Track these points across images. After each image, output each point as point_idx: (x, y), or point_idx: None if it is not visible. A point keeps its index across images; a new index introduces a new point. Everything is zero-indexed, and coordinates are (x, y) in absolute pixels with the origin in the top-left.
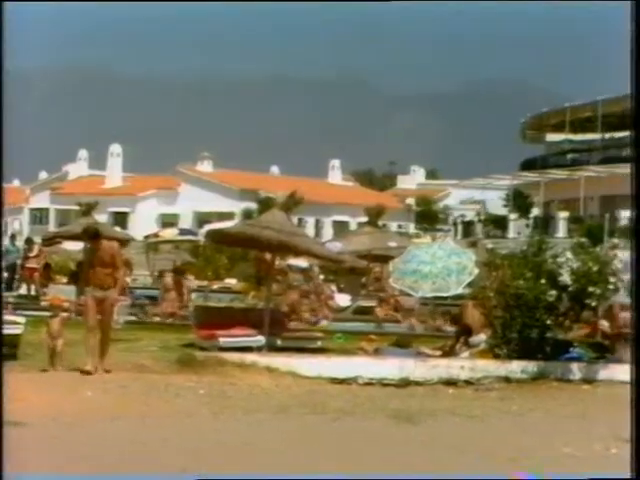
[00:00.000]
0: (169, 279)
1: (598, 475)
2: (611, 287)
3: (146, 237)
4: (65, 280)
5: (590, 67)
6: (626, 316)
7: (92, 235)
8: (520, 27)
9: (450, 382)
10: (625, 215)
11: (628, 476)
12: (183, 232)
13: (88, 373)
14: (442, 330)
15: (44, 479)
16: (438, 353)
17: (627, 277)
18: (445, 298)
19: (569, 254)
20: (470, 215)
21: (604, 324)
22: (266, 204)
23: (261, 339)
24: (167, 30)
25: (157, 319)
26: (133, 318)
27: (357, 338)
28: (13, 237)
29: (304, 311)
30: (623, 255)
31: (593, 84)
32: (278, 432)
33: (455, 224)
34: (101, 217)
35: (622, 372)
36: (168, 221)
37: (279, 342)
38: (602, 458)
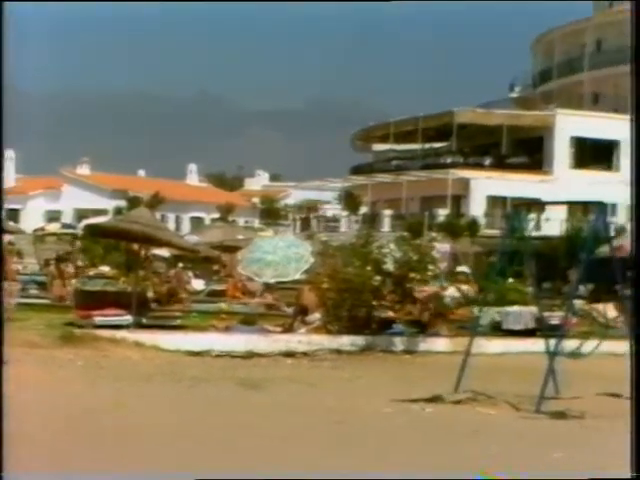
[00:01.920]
0: (53, 267)
1: (598, 475)
2: (429, 274)
3: (34, 230)
4: None
5: (412, 86)
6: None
7: None
8: (354, 51)
9: (289, 354)
10: (442, 213)
11: (628, 476)
12: (65, 226)
13: None
14: (282, 310)
15: (44, 479)
16: (279, 329)
17: (444, 265)
18: (285, 283)
19: (392, 246)
20: (331, 213)
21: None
22: (134, 202)
23: (129, 318)
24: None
25: (47, 301)
26: (24, 300)
27: (210, 317)
28: None
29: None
30: (440, 247)
31: (414, 101)
32: (144, 396)
33: (294, 219)
34: None
35: (438, 344)
36: (53, 217)
37: (144, 320)
38: (418, 416)
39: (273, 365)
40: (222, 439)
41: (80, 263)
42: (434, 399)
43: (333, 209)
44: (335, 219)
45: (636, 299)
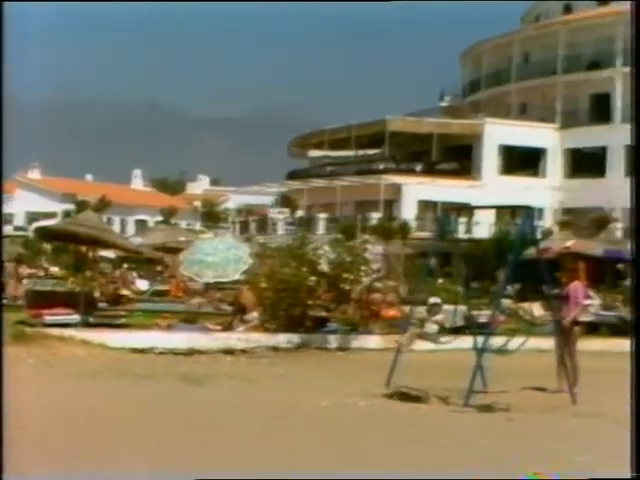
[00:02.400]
0: (10, 268)
1: (598, 475)
2: (362, 274)
3: None
4: None
5: (346, 95)
6: (375, 297)
7: None
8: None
9: (228, 351)
10: (374, 216)
11: (628, 476)
12: (17, 229)
13: None
14: (222, 309)
15: (44, 479)
16: (219, 328)
17: (376, 266)
18: (225, 283)
19: (327, 247)
20: (278, 217)
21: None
22: (82, 206)
23: (77, 317)
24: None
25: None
26: None
27: (153, 315)
28: None
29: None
30: (373, 248)
31: (348, 109)
32: (91, 392)
33: (233, 222)
34: None
35: (370, 341)
36: (5, 220)
37: (91, 319)
38: (352, 410)
39: (213, 362)
40: (164, 432)
41: (32, 264)
42: (367, 394)
43: (279, 213)
44: (273, 222)
45: (636, 299)
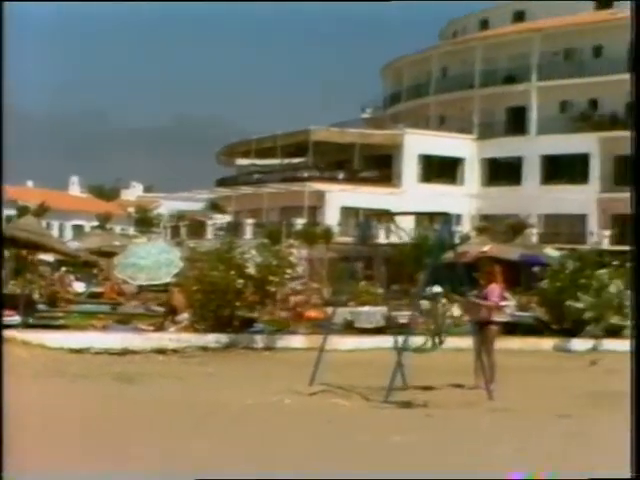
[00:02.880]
0: None
1: (598, 475)
2: (287, 277)
3: None
4: None
5: (273, 105)
6: (298, 299)
7: None
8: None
9: (160, 351)
10: (299, 222)
11: (628, 476)
12: None
13: None
14: (154, 310)
15: (44, 479)
16: (151, 328)
17: (301, 270)
18: (157, 285)
19: (254, 251)
20: (221, 222)
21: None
22: (22, 211)
23: (18, 318)
24: None
25: None
26: None
27: (90, 317)
28: None
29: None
30: (297, 252)
31: (275, 119)
32: (33, 392)
33: (165, 227)
34: None
35: (295, 341)
36: None
37: (31, 320)
38: (278, 408)
39: (146, 361)
40: (99, 429)
41: None
42: (292, 391)
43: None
44: (202, 227)
45: (636, 298)
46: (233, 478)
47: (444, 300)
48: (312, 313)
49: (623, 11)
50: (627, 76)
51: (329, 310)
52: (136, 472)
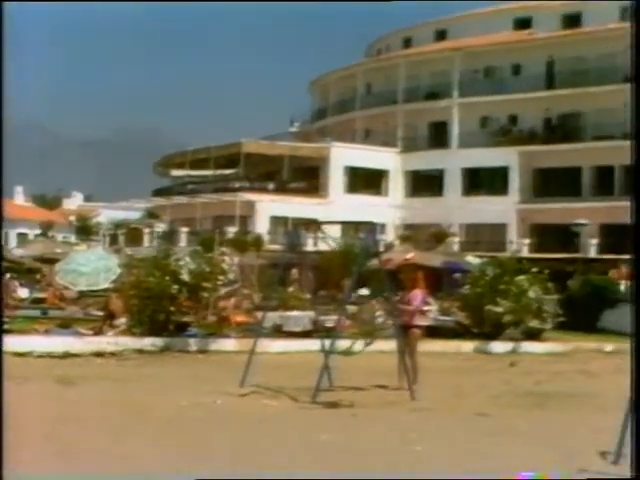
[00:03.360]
0: None
1: (598, 475)
2: (219, 283)
3: None
4: None
5: (207, 118)
6: (229, 304)
7: None
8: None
9: (99, 354)
10: (231, 230)
11: (628, 476)
12: None
13: None
14: (93, 315)
15: (44, 479)
16: (91, 332)
17: (233, 276)
18: (96, 291)
19: (188, 259)
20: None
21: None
22: None
23: None
24: None
25: None
26: None
27: (33, 321)
28: None
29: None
30: (229, 259)
31: (209, 132)
32: None
33: (104, 235)
34: None
35: (227, 344)
36: None
37: None
38: (210, 408)
39: (86, 364)
40: (42, 429)
41: None
42: (224, 393)
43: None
44: (140, 235)
45: (636, 299)
46: (233, 478)
47: (370, 305)
48: (242, 317)
49: (540, 32)
50: (544, 93)
51: (259, 314)
52: (136, 472)
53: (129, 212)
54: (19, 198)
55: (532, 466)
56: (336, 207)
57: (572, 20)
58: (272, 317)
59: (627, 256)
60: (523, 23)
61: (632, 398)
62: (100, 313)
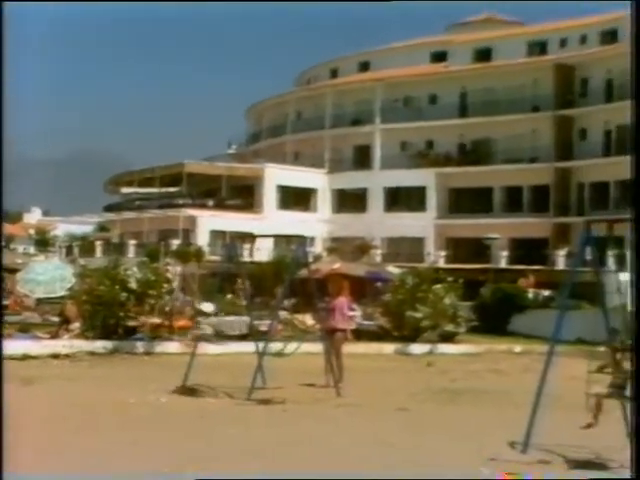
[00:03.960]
0: None
1: (598, 475)
2: (164, 291)
3: None
4: None
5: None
6: (172, 310)
7: None
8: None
9: (55, 356)
10: (175, 243)
11: (628, 476)
12: None
13: None
14: (50, 320)
15: (44, 479)
16: (48, 336)
17: (176, 284)
18: (53, 298)
19: (135, 269)
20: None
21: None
22: None
23: None
24: None
25: None
26: None
27: None
28: None
29: None
30: (173, 269)
31: (155, 152)
32: None
33: (60, 247)
34: None
35: (171, 347)
36: None
37: None
38: (155, 406)
39: (43, 365)
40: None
41: None
42: (168, 391)
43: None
44: (93, 247)
45: (636, 299)
46: (233, 478)
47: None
48: (184, 322)
49: (454, 65)
50: (458, 121)
51: (200, 319)
52: (137, 472)
53: (83, 226)
54: None
55: (447, 456)
56: (270, 222)
57: (483, 55)
58: (211, 322)
59: (534, 267)
60: (439, 57)
61: (632, 397)
62: (56, 318)
